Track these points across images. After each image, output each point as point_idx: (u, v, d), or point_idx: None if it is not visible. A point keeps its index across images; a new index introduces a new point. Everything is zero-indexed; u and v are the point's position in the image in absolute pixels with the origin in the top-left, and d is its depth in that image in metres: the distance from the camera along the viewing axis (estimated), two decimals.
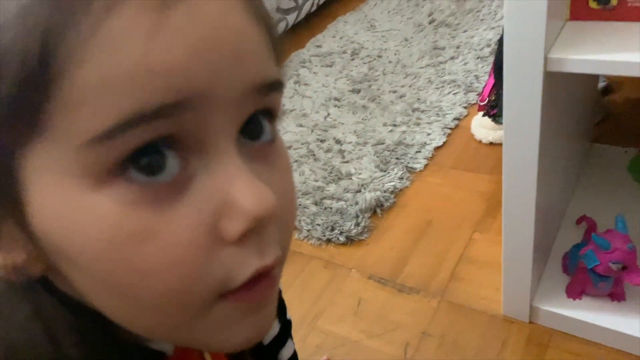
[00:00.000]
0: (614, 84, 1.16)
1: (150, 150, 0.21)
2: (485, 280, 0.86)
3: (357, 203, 1.06)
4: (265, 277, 0.24)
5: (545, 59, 0.54)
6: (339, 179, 1.15)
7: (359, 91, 1.47)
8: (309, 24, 2.01)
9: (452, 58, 1.50)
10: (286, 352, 0.49)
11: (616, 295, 0.71)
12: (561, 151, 0.77)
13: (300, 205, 1.09)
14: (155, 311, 0.23)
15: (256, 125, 0.25)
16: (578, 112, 0.86)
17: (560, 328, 0.75)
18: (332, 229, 1.01)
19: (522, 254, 0.71)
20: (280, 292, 0.39)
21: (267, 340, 0.47)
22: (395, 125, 1.28)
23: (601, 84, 1.14)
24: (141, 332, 0.25)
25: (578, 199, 0.91)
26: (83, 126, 0.20)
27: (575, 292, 0.73)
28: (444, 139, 1.21)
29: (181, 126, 0.21)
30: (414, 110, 1.32)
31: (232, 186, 0.22)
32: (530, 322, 0.77)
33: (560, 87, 0.66)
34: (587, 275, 0.70)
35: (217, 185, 0.22)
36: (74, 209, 0.21)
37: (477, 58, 1.47)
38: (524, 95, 0.57)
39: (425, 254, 0.94)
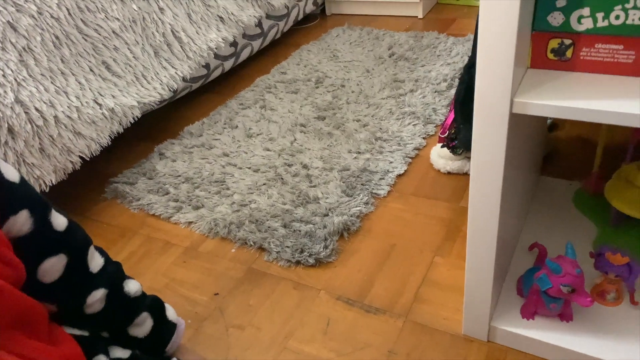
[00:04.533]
0: (559, 122, 1.27)
1: None
2: (446, 302, 0.91)
3: (325, 226, 1.10)
4: None
5: (511, 102, 0.61)
6: (307, 202, 1.18)
7: (324, 118, 1.52)
8: (274, 51, 2.06)
9: (411, 91, 1.59)
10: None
11: (565, 316, 0.79)
12: (517, 183, 0.84)
13: (269, 227, 1.11)
14: None
15: None
16: (530, 147, 0.94)
17: (515, 346, 0.81)
18: (302, 251, 1.04)
19: (484, 278, 0.77)
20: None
21: None
22: (359, 153, 1.34)
23: (548, 121, 1.25)
24: None
25: (529, 227, 0.99)
26: None
27: (528, 312, 0.80)
28: (405, 167, 1.28)
29: None
30: (376, 139, 1.39)
31: None
32: (489, 341, 0.83)
33: (519, 125, 0.73)
34: (539, 297, 0.77)
35: None
36: None
37: (435, 92, 1.56)
38: (492, 134, 0.64)
39: (390, 276, 0.98)
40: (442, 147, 1.23)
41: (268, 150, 1.40)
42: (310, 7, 2.22)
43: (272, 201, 1.20)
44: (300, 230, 1.09)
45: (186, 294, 0.99)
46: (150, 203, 1.25)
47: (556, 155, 1.20)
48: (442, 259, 1.01)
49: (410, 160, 1.31)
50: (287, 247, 1.06)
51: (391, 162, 1.30)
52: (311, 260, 1.02)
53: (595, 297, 0.82)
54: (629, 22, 0.58)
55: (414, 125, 1.43)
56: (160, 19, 1.47)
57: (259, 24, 1.88)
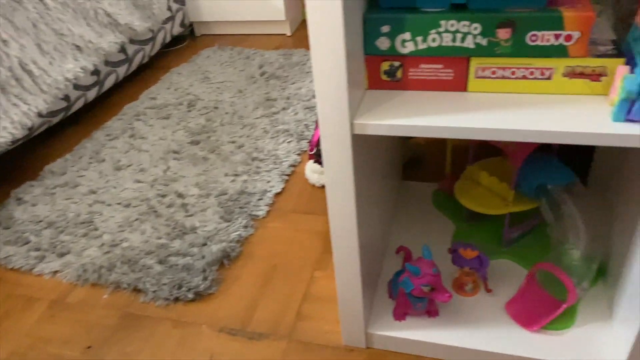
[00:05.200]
0: None
1: None
2: (327, 315, 0.94)
3: (203, 257, 1.08)
4: None
5: (352, 124, 0.65)
6: (184, 233, 1.15)
7: (198, 142, 1.50)
8: (142, 76, 1.99)
9: (284, 109, 1.62)
10: None
11: (431, 313, 0.84)
12: (376, 192, 0.89)
13: (144, 266, 1.07)
14: None
15: None
16: (389, 156, 1.01)
17: (393, 349, 0.86)
18: (180, 287, 1.01)
19: (353, 286, 0.80)
20: None
21: None
22: (236, 175, 1.34)
23: None
24: None
25: (396, 231, 1.05)
26: None
27: (399, 314, 0.85)
28: (283, 185, 1.30)
29: None
30: (253, 159, 1.39)
31: None
32: (368, 348, 0.87)
33: (372, 139, 0.78)
34: (406, 299, 0.82)
35: None
36: None
37: (306, 108, 1.61)
38: (338, 155, 0.67)
39: (273, 298, 0.99)
40: (314, 162, 1.27)
41: (139, 182, 1.34)
42: (178, 29, 2.18)
43: (146, 237, 1.15)
44: (177, 265, 1.06)
45: (55, 352, 0.91)
46: (7, 256, 1.13)
47: (416, 160, 1.29)
48: (322, 272, 1.03)
49: (287, 177, 1.33)
50: (164, 284, 1.02)
51: (268, 182, 1.31)
52: (190, 295, 1.00)
53: (456, 290, 0.89)
54: (444, 44, 0.64)
55: (288, 142, 1.45)
56: (4, 52, 1.35)
57: (123, 50, 1.81)
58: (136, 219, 1.21)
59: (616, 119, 0.57)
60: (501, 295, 0.87)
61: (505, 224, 0.92)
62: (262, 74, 1.86)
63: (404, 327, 0.85)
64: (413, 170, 1.25)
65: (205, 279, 1.03)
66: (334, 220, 0.74)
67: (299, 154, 1.41)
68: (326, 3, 0.55)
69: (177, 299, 1.00)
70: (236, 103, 1.69)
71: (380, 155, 0.89)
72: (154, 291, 1.01)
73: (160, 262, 1.07)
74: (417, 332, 0.83)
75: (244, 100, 1.70)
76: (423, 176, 1.21)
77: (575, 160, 0.80)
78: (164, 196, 1.28)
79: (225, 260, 1.08)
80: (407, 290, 0.79)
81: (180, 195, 1.28)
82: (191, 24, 2.31)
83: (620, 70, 0.56)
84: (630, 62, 0.58)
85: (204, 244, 1.12)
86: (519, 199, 0.88)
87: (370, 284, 0.88)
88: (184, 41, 2.28)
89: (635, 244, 0.74)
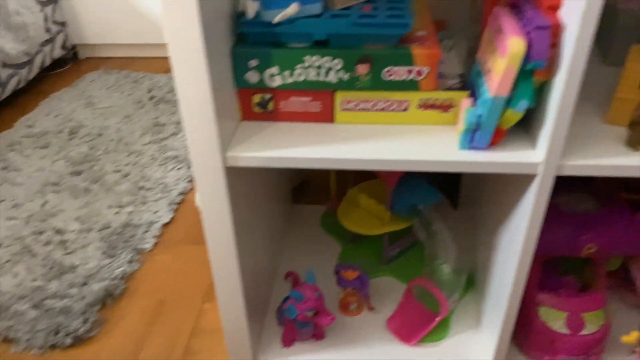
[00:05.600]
0: None
1: None
2: (216, 347, 0.92)
3: (83, 297, 1.01)
4: None
5: (224, 157, 0.65)
6: (62, 273, 1.07)
7: (80, 173, 1.41)
8: (18, 102, 1.84)
9: (174, 134, 1.58)
10: None
11: (318, 336, 0.86)
12: (263, 216, 0.90)
13: (16, 312, 0.98)
14: None
15: None
16: (277, 179, 1.02)
17: None
18: (57, 333, 0.94)
19: (237, 316, 0.79)
20: None
21: None
22: (121, 207, 1.28)
23: None
24: None
25: (287, 255, 1.06)
26: None
27: (287, 340, 0.85)
28: (171, 215, 1.26)
29: None
30: (139, 189, 1.34)
31: None
32: None
33: (254, 169, 0.79)
34: (293, 325, 0.83)
35: None
36: None
37: None
38: (212, 186, 0.66)
39: (160, 335, 0.95)
40: None
41: (12, 219, 1.24)
42: (59, 52, 2.05)
43: (19, 280, 1.06)
44: (54, 308, 0.99)
45: None
46: None
47: (307, 183, 1.32)
48: (211, 303, 1.01)
49: (176, 206, 1.29)
50: (39, 331, 0.94)
51: (156, 212, 1.26)
52: (69, 340, 0.93)
53: (342, 310, 0.91)
54: (310, 78, 0.67)
55: (177, 169, 1.42)
56: None
57: None
58: (7, 261, 1.11)
59: (462, 147, 0.62)
60: (383, 312, 0.91)
61: (384, 242, 0.97)
62: (150, 98, 1.80)
63: (292, 353, 0.85)
64: (303, 193, 1.28)
65: (85, 321, 0.96)
66: (213, 253, 0.73)
67: (189, 181, 1.38)
68: (187, 37, 0.56)
69: (53, 346, 0.93)
70: (122, 129, 1.62)
71: (265, 181, 0.90)
72: (28, 339, 0.93)
73: (35, 306, 0.99)
74: (304, 357, 0.85)
75: (131, 126, 1.63)
76: (312, 199, 1.23)
77: (444, 182, 0.87)
78: (40, 233, 1.19)
79: (108, 299, 1.02)
80: (292, 316, 0.80)
81: (58, 232, 1.19)
82: (74, 47, 2.18)
83: (464, 102, 0.62)
84: (473, 95, 0.65)
85: (85, 284, 1.05)
86: (395, 219, 0.93)
87: (258, 311, 0.88)
88: (67, 64, 2.15)
89: (494, 256, 0.81)
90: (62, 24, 2.06)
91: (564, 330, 0.77)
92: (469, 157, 0.61)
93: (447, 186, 1.05)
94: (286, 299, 0.89)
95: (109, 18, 2.07)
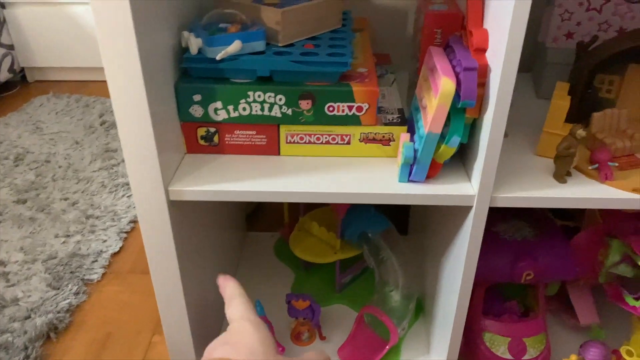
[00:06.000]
0: None
1: None
2: None
3: (25, 332, 0.97)
4: None
5: (167, 190, 0.65)
6: (3, 307, 1.03)
7: (25, 201, 1.36)
8: None
9: (125, 160, 1.55)
10: None
11: None
12: (213, 246, 0.89)
13: None
14: None
15: None
16: (229, 208, 1.01)
17: None
18: None
19: (185, 349, 0.78)
20: None
21: None
22: (68, 236, 1.24)
23: None
24: None
25: (240, 284, 1.05)
26: None
27: None
28: (121, 244, 1.23)
29: None
30: (88, 217, 1.30)
31: None
32: None
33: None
34: None
35: None
36: None
37: None
38: (155, 221, 0.66)
39: None
40: None
41: None
42: (5, 75, 1.99)
43: None
44: None
45: None
46: None
47: (261, 210, 1.32)
48: (160, 336, 0.99)
49: (125, 235, 1.26)
50: None
51: (105, 241, 1.23)
52: None
53: (294, 340, 0.91)
54: (254, 113, 0.68)
55: (128, 196, 1.39)
56: None
57: None
58: None
59: (401, 180, 0.64)
60: (335, 340, 0.91)
61: (336, 270, 0.98)
62: (102, 123, 1.77)
63: None
64: (257, 220, 1.28)
65: (27, 357, 0.92)
66: (159, 288, 0.73)
67: None
68: (126, 71, 0.55)
69: None
70: (71, 155, 1.58)
71: (215, 210, 0.90)
72: None
73: None
74: None
75: (81, 152, 1.60)
76: (267, 226, 1.23)
77: (394, 209, 0.89)
78: None
79: (52, 334, 0.99)
80: None
81: (1, 263, 1.15)
82: (22, 70, 2.12)
83: (402, 137, 0.65)
84: (412, 129, 0.67)
85: (27, 317, 1.01)
86: (346, 246, 0.94)
87: (208, 343, 0.87)
88: (14, 88, 2.08)
89: (439, 283, 0.83)
90: (10, 47, 2.00)
91: (507, 355, 0.79)
92: (407, 189, 0.63)
93: (397, 213, 1.07)
94: None
95: (59, 40, 2.03)
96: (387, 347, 0.85)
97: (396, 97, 0.75)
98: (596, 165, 0.66)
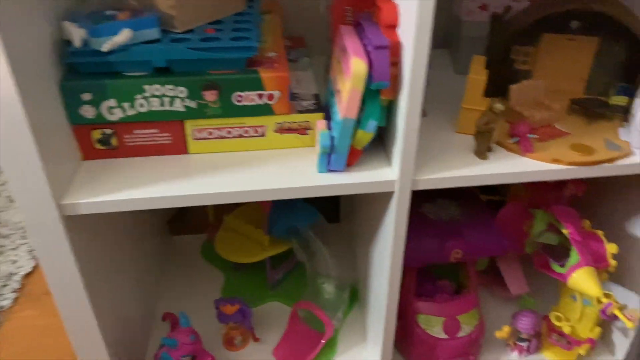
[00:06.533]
0: None
1: None
2: None
3: None
4: None
5: (59, 205, 0.57)
6: None
7: None
8: None
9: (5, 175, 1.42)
10: None
11: None
12: (128, 258, 0.81)
13: None
14: None
15: None
16: (145, 216, 0.94)
17: None
18: None
19: None
20: None
21: None
22: None
23: None
24: None
25: (166, 292, 0.98)
26: None
27: None
28: (33, 264, 1.12)
29: None
30: None
31: None
32: None
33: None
34: None
35: None
36: None
37: None
38: (48, 240, 0.58)
39: None
40: None
41: None
42: None
43: None
44: None
45: None
46: None
47: (184, 212, 1.24)
48: None
49: None
50: None
51: (15, 262, 1.12)
52: None
53: (227, 346, 0.86)
54: (153, 109, 0.61)
55: None
56: None
57: None
58: None
59: (320, 170, 0.60)
60: (270, 341, 0.87)
61: (267, 267, 0.93)
62: None
63: None
64: (182, 223, 1.20)
65: None
66: (65, 312, 0.65)
67: None
68: None
69: None
70: None
71: (127, 219, 0.82)
72: None
73: None
74: None
75: None
76: (192, 228, 1.16)
77: (324, 198, 0.85)
78: None
79: None
80: None
81: None
82: None
83: (318, 125, 0.60)
84: (329, 116, 0.63)
85: None
86: (275, 242, 0.90)
87: (133, 358, 0.80)
88: None
89: (370, 269, 0.81)
90: None
91: (442, 335, 0.78)
92: (327, 180, 0.59)
93: (326, 201, 1.04)
94: (162, 345, 0.82)
95: None
96: (322, 341, 0.82)
97: (312, 83, 0.71)
98: (517, 139, 0.65)
